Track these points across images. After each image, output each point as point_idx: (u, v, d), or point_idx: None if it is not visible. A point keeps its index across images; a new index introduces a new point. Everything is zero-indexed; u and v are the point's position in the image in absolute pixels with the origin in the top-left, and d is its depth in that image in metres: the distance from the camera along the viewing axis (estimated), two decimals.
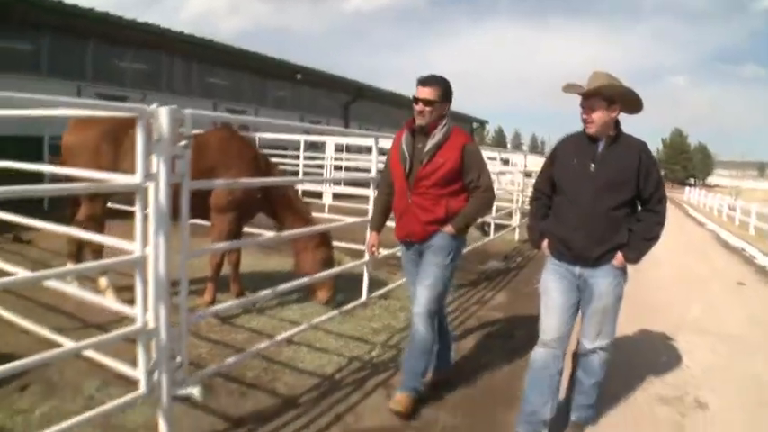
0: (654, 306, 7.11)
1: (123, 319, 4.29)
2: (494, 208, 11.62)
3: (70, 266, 2.76)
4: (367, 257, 5.11)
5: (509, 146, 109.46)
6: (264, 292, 4.15)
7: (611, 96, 3.33)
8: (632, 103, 3.46)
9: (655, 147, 77.14)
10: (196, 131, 5.71)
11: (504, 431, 3.70)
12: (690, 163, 70.62)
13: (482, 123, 43.62)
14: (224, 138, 5.71)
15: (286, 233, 5.28)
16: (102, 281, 5.54)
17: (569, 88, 3.45)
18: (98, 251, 5.72)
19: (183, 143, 2.95)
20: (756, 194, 59.57)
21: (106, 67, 13.89)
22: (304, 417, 3.61)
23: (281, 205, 5.82)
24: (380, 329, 5.37)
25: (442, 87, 3.82)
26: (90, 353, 3.34)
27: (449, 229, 3.82)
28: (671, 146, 70.81)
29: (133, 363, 3.03)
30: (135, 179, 2.83)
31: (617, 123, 3.45)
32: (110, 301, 3.94)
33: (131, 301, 3.00)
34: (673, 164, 69.30)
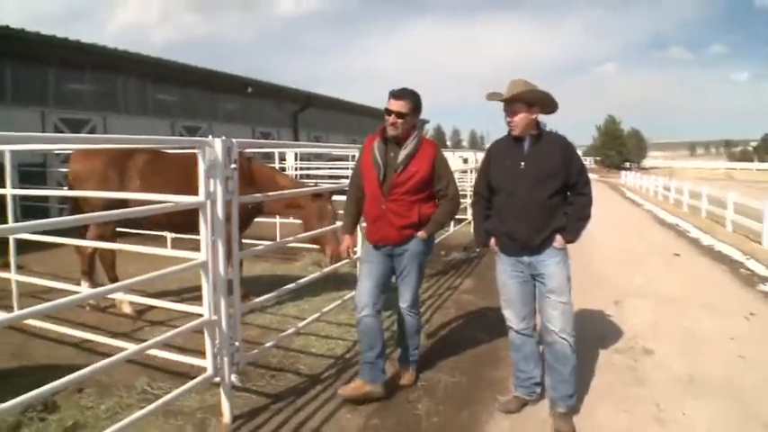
0: (601, 278, 8.13)
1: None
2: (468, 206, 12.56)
3: (135, 279, 3.29)
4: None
5: (449, 143, 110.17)
6: (284, 288, 4.69)
7: (530, 100, 3.71)
8: (548, 104, 3.83)
9: (590, 134, 79.64)
10: (188, 152, 6.39)
11: (493, 384, 4.51)
12: (624, 148, 72.74)
13: (423, 123, 44.31)
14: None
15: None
16: (119, 296, 6.12)
17: (492, 96, 3.81)
18: (112, 267, 6.29)
19: (232, 166, 3.59)
20: (688, 173, 62.39)
21: (66, 91, 14.10)
22: (329, 389, 4.34)
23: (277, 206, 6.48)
24: None
25: (413, 101, 4.03)
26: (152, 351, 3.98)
27: (422, 234, 4.12)
28: (605, 132, 72.78)
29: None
30: (199, 198, 3.50)
31: (538, 123, 3.83)
32: (171, 304, 4.53)
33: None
34: (608, 149, 71.34)
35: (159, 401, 3.36)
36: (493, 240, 4.02)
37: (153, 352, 3.90)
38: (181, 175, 5.94)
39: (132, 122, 15.42)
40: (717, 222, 15.53)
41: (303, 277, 5.08)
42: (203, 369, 3.74)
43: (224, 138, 3.54)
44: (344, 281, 7.08)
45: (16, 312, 3.70)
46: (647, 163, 79.89)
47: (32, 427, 3.64)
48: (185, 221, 6.02)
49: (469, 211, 13.53)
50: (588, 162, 70.57)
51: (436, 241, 9.39)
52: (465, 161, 18.51)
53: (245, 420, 3.81)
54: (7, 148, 5.47)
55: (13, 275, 5.40)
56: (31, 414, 3.74)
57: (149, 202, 4.19)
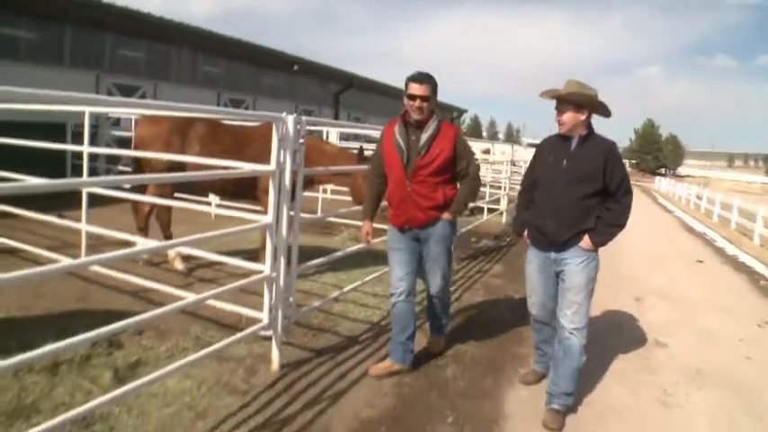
0: (625, 277, 8.45)
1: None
2: (487, 193, 12.94)
3: (220, 232, 3.76)
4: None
5: (485, 134, 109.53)
6: (333, 255, 5.13)
7: (579, 102, 3.76)
8: (600, 108, 3.87)
9: (627, 137, 78.88)
10: (249, 124, 6.84)
11: (516, 358, 4.92)
12: (661, 153, 72.11)
13: (461, 112, 44.19)
14: (267, 131, 6.73)
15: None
16: (171, 252, 6.65)
17: (545, 93, 3.91)
18: (167, 227, 6.81)
19: (300, 141, 4.02)
20: (724, 184, 61.60)
21: (121, 58, 14.70)
22: (367, 349, 4.79)
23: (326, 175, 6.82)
24: None
25: (433, 84, 4.12)
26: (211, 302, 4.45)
27: (447, 216, 4.22)
28: (642, 136, 72.21)
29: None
30: (271, 167, 3.93)
31: (589, 125, 3.88)
32: (237, 261, 4.98)
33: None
34: (645, 153, 70.79)
35: (215, 346, 3.77)
36: (526, 231, 4.14)
37: (210, 302, 4.35)
38: (236, 144, 6.42)
39: (181, 92, 15.99)
40: (745, 235, 15.64)
41: (341, 250, 5.47)
42: (254, 321, 4.21)
43: (296, 115, 3.95)
44: (381, 256, 7.48)
45: (83, 259, 4.14)
46: (682, 170, 78.94)
47: (101, 360, 4.10)
48: (237, 189, 6.52)
49: (502, 202, 13.95)
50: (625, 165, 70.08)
51: (465, 228, 9.95)
52: (486, 152, 18.63)
53: (290, 369, 4.26)
54: (88, 109, 5.96)
55: (83, 225, 5.90)
56: (99, 350, 4.21)
57: (210, 167, 4.63)
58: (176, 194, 6.84)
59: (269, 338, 4.48)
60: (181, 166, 6.16)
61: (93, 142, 12.93)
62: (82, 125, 11.25)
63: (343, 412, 3.75)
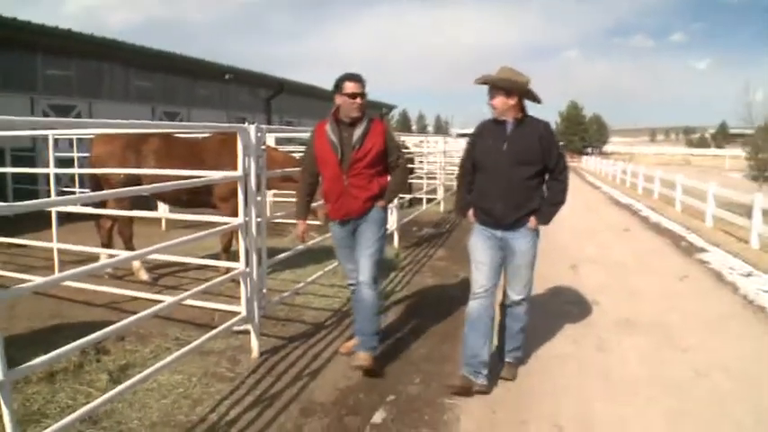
0: (560, 248, 9.18)
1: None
2: (424, 185, 13.59)
3: (193, 236, 4.16)
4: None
5: (414, 128, 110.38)
6: (285, 254, 5.58)
7: (507, 88, 3.93)
8: (529, 95, 4.04)
9: (553, 119, 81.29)
10: (203, 136, 7.17)
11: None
12: (586, 133, 74.67)
13: (390, 108, 44.69)
14: (222, 140, 7.08)
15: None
16: (136, 263, 6.93)
17: (479, 80, 4.04)
18: (130, 240, 7.09)
19: (262, 147, 4.45)
20: (648, 159, 64.42)
21: (53, 78, 14.60)
22: (334, 332, 5.26)
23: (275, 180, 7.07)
24: None
25: (365, 81, 4.34)
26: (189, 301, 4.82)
27: (381, 203, 4.43)
28: (568, 118, 74.57)
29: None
30: (238, 173, 4.35)
31: (523, 108, 4.04)
32: (212, 261, 5.38)
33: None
34: (571, 135, 73.09)
35: (197, 341, 4.11)
36: (471, 212, 4.27)
37: (183, 304, 4.67)
38: (189, 156, 6.75)
39: (116, 108, 15.94)
40: (668, 203, 16.77)
41: (291, 249, 5.86)
42: (229, 316, 4.62)
43: (256, 124, 4.38)
44: (330, 252, 7.93)
45: (57, 275, 4.39)
46: (608, 148, 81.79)
47: (92, 366, 4.40)
48: (191, 198, 6.86)
49: (439, 192, 14.60)
50: None
51: (407, 219, 10.53)
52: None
53: (268, 355, 4.67)
54: (51, 133, 6.23)
55: (55, 244, 6.15)
56: (89, 357, 4.52)
57: (166, 178, 5.00)
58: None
59: (243, 333, 4.89)
60: (137, 181, 6.47)
61: (32, 165, 12.91)
62: (21, 149, 11.38)
63: (324, 385, 4.20)
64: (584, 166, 42.36)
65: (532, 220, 4.06)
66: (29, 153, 13.36)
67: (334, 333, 5.24)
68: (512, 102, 3.97)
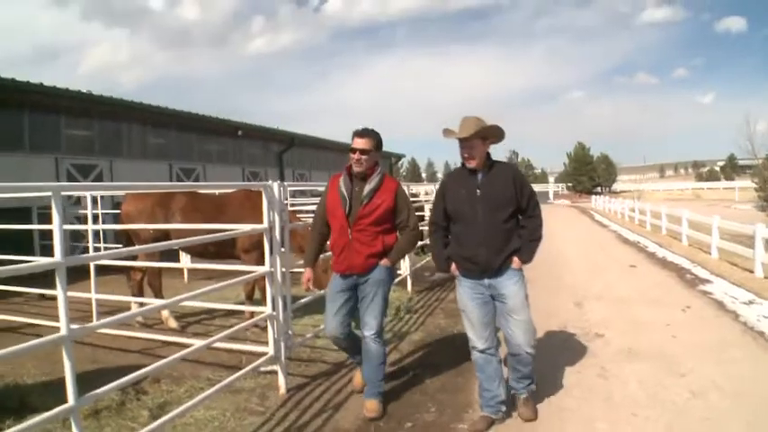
0: (567, 286, 9.57)
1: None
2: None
3: (223, 283, 4.65)
4: None
5: (423, 175, 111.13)
6: (307, 299, 5.96)
7: (485, 135, 4.06)
8: (499, 135, 4.17)
9: (561, 161, 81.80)
10: (225, 191, 7.69)
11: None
12: (595, 173, 74.81)
13: (399, 158, 45.33)
14: (244, 196, 7.61)
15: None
16: (165, 312, 7.37)
17: (448, 133, 4.14)
18: (159, 291, 7.54)
19: (285, 202, 4.92)
20: (657, 195, 64.65)
21: (76, 139, 15.34)
22: (354, 370, 5.61)
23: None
24: None
25: (375, 139, 4.43)
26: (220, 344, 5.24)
27: (385, 261, 4.47)
28: (575, 159, 74.93)
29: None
30: (264, 225, 4.81)
31: (488, 154, 4.17)
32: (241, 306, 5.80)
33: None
34: (579, 175, 73.37)
35: (229, 379, 4.55)
36: (454, 265, 4.28)
37: (213, 348, 5.12)
38: (213, 211, 7.24)
39: (135, 166, 16.67)
40: (675, 238, 17.09)
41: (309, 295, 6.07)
42: (256, 357, 5.03)
43: (279, 182, 4.86)
44: None
45: (94, 323, 4.84)
46: (617, 187, 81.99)
47: (133, 404, 4.80)
48: (218, 249, 7.32)
49: None
50: (560, 188, 72.71)
51: (419, 264, 10.92)
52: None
53: (294, 392, 5.05)
54: (89, 193, 6.73)
55: (93, 295, 6.61)
56: (130, 396, 4.94)
57: (194, 232, 5.47)
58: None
59: (270, 372, 5.29)
60: (166, 235, 6.96)
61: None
62: (46, 207, 11.98)
63: (347, 416, 4.57)
64: (593, 206, 42.66)
65: (515, 261, 4.12)
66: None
67: (355, 371, 5.61)
68: (488, 148, 4.13)
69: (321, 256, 4.94)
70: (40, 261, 3.34)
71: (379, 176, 4.46)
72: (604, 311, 7.78)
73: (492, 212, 4.03)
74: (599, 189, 71.65)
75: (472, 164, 4.09)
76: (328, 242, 4.75)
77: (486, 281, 4.13)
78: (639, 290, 9.37)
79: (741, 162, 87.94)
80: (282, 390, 5.01)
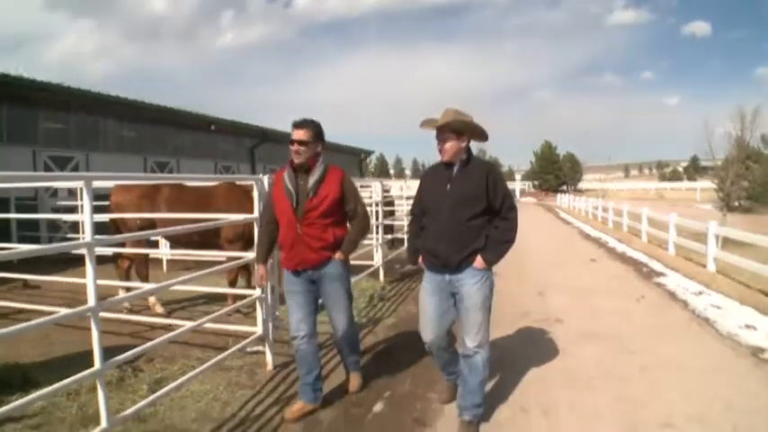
0: (530, 277, 10.16)
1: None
2: (405, 225, 14.53)
3: (215, 268, 5.11)
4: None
5: (392, 172, 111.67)
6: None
7: (460, 129, 3.91)
8: (478, 133, 4.03)
9: (528, 159, 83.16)
10: (209, 184, 8.07)
11: None
12: (561, 171, 76.21)
13: (367, 154, 45.65)
14: (228, 189, 7.99)
15: None
16: (152, 298, 7.73)
17: (425, 124, 4.03)
18: (146, 278, 7.89)
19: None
20: (622, 194, 66.09)
21: (52, 132, 15.46)
22: (334, 350, 6.04)
23: None
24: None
25: (314, 129, 4.32)
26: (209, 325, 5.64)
27: (339, 255, 4.41)
28: (542, 157, 76.28)
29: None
30: (254, 215, 5.22)
31: (468, 150, 4.03)
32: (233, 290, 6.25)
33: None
34: (546, 174, 74.74)
35: (218, 357, 4.96)
36: (421, 258, 4.24)
37: (202, 329, 5.48)
38: (198, 203, 7.61)
39: (110, 159, 16.80)
40: (635, 235, 17.84)
41: None
42: (244, 338, 5.45)
43: (269, 175, 5.27)
44: None
45: (117, 297, 5.19)
46: (583, 185, 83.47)
47: (131, 380, 5.15)
48: (202, 239, 7.69)
49: None
50: (527, 186, 73.95)
51: (389, 257, 11.39)
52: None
53: (280, 369, 5.48)
54: (80, 184, 7.06)
55: (91, 280, 6.90)
56: (128, 373, 5.30)
57: (179, 222, 5.90)
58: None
59: (256, 353, 5.71)
60: (152, 225, 7.31)
61: (35, 211, 13.64)
62: (24, 198, 12.32)
63: (330, 387, 4.99)
64: (558, 204, 43.61)
65: (478, 260, 3.97)
66: (32, 202, 14.12)
67: (334, 351, 6.05)
68: (463, 144, 3.98)
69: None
70: (71, 243, 3.68)
71: (322, 168, 4.38)
72: (565, 300, 8.36)
73: (456, 208, 3.94)
74: (565, 187, 72.94)
75: (445, 157, 4.00)
76: None
77: (447, 276, 4.05)
78: (598, 281, 10.02)
79: (703, 163, 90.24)
80: (270, 366, 5.44)
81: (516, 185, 68.91)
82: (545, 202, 49.85)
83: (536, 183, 75.37)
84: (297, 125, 4.33)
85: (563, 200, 43.78)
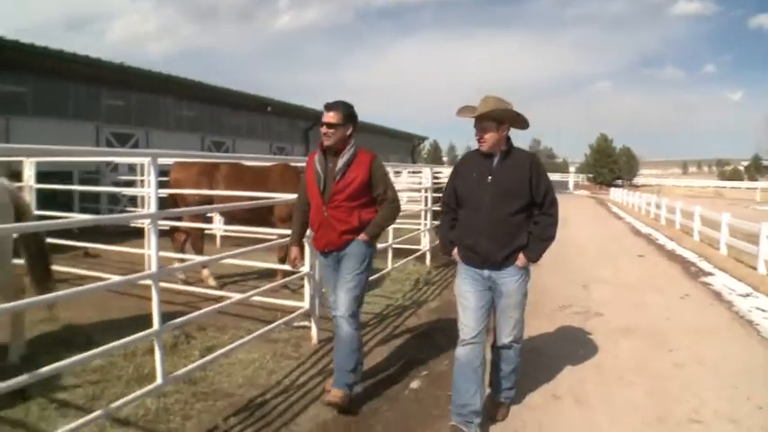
0: (577, 271, 10.19)
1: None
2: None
3: (266, 244, 5.46)
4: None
5: (445, 158, 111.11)
6: None
7: (500, 118, 3.70)
8: (520, 121, 3.83)
9: (583, 152, 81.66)
10: (265, 164, 8.38)
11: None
12: (616, 165, 74.67)
13: (421, 140, 45.66)
14: (283, 169, 8.29)
15: None
16: (205, 271, 8.10)
17: (462, 112, 3.83)
18: (201, 251, 8.27)
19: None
20: (678, 191, 64.38)
21: (115, 109, 16.12)
22: (377, 329, 6.33)
23: None
24: (396, 291, 8.14)
25: (344, 111, 4.23)
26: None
27: (363, 237, 4.31)
28: (597, 150, 74.81)
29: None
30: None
31: (508, 139, 3.83)
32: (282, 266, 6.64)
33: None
34: (600, 167, 73.31)
35: (266, 328, 5.29)
36: (455, 250, 4.06)
37: (253, 301, 5.85)
38: (255, 181, 7.92)
39: (169, 137, 17.41)
40: (687, 233, 17.53)
41: None
42: (291, 312, 5.74)
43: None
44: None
45: (177, 265, 5.55)
46: (638, 180, 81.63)
47: (184, 347, 5.49)
48: (256, 216, 8.00)
49: None
50: (580, 178, 72.75)
51: (437, 242, 11.51)
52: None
53: (325, 343, 5.73)
54: (146, 160, 7.46)
55: (154, 251, 7.31)
56: (181, 339, 5.64)
57: (238, 198, 6.26)
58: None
59: (302, 327, 5.98)
60: (210, 201, 7.66)
61: (97, 185, 14.28)
62: (87, 172, 12.95)
63: (371, 362, 5.26)
64: (612, 198, 42.90)
65: (521, 258, 3.84)
66: (94, 175, 14.77)
67: (377, 329, 6.32)
68: (503, 133, 3.79)
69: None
70: (136, 213, 4.01)
71: (352, 151, 4.30)
72: (608, 294, 8.40)
73: (499, 202, 3.76)
74: (619, 182, 71.49)
75: (484, 147, 3.81)
76: None
77: (487, 272, 3.89)
78: (644, 277, 9.98)
79: (766, 163, 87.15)
80: (315, 340, 5.71)
81: (570, 178, 67.93)
82: (598, 195, 49.03)
83: (590, 176, 74.03)
84: (327, 107, 4.27)
85: (616, 194, 43.00)
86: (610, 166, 73.70)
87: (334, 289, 4.44)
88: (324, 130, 4.21)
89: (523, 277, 3.91)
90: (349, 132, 4.30)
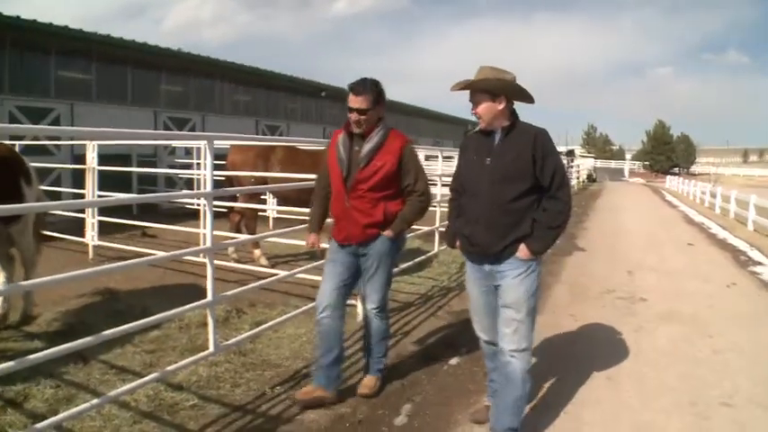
0: (623, 257, 10.20)
1: None
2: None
3: (291, 228, 5.84)
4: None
5: None
6: None
7: (492, 89, 3.26)
8: (519, 94, 3.37)
9: (639, 139, 79.93)
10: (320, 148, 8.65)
11: None
12: (673, 153, 73.06)
13: (475, 125, 45.36)
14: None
15: None
16: (257, 251, 8.45)
17: (455, 86, 3.40)
18: (254, 232, 8.63)
19: None
20: (737, 180, 62.47)
21: (172, 94, 16.71)
22: (421, 308, 6.55)
23: None
24: (442, 273, 8.34)
25: (373, 93, 3.74)
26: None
27: (388, 233, 3.90)
28: (654, 137, 73.29)
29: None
30: None
31: (513, 113, 3.37)
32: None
33: None
34: (657, 154, 71.84)
35: (312, 304, 5.51)
36: (459, 242, 3.63)
37: (299, 280, 6.14)
38: (310, 164, 8.20)
39: (225, 121, 17.93)
40: (741, 223, 17.17)
41: None
42: None
43: None
44: (416, 248, 9.24)
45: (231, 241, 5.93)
46: (696, 169, 79.60)
47: (236, 320, 5.83)
48: (306, 198, 8.30)
49: None
50: (636, 166, 71.27)
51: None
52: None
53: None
54: (203, 144, 7.82)
55: (209, 231, 7.72)
56: (232, 314, 5.97)
57: (290, 180, 6.55)
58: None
59: (348, 305, 6.20)
60: (265, 183, 7.99)
61: (154, 167, 14.88)
62: (145, 155, 13.51)
63: (412, 341, 5.52)
64: (668, 186, 42.00)
65: (523, 249, 3.32)
66: (152, 158, 15.37)
67: (421, 309, 6.55)
68: (500, 106, 3.31)
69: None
70: (193, 192, 4.33)
71: (381, 134, 3.84)
72: (653, 281, 8.42)
73: (499, 187, 3.29)
74: (676, 170, 69.89)
75: (481, 123, 3.39)
76: None
77: (487, 267, 3.44)
78: (691, 265, 9.92)
79: None
80: (360, 317, 5.94)
81: (625, 165, 66.61)
82: (653, 183, 48.03)
83: (647, 163, 72.48)
84: (354, 90, 3.76)
85: (672, 182, 42.08)
86: (667, 154, 72.16)
87: (332, 278, 4.07)
88: (354, 117, 3.77)
89: (527, 272, 3.34)
90: (381, 115, 3.88)
